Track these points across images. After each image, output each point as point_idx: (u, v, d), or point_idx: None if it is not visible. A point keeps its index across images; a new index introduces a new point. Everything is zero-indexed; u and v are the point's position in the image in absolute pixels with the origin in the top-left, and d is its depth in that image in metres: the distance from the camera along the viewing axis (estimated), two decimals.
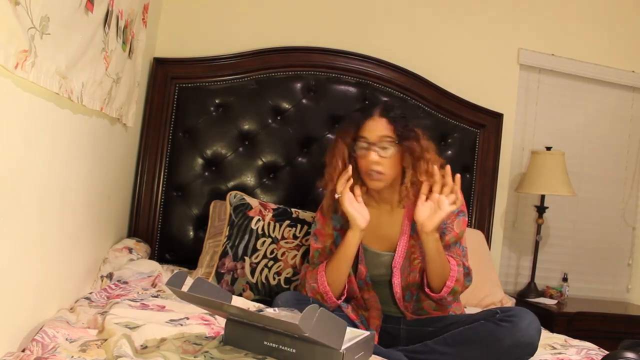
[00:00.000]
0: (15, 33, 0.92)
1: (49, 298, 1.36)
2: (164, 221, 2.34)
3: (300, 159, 2.45)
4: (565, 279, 2.76)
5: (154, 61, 2.35)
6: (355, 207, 1.58)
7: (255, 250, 2.01)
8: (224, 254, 2.01)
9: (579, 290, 2.90)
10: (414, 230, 1.63)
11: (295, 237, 2.06)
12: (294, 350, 1.09)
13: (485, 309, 2.06)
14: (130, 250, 2.01)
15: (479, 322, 1.47)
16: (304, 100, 2.47)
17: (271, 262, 2.00)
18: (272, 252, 2.02)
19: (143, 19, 1.99)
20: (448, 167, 1.53)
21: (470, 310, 1.89)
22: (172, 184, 2.36)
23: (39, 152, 1.17)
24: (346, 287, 1.65)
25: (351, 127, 1.63)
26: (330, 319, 1.05)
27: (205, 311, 1.42)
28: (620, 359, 1.21)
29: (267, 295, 1.97)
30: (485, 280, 2.32)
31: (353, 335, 1.18)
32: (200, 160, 2.38)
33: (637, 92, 3.04)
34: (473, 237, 2.38)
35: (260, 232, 2.04)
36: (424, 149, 1.58)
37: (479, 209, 2.65)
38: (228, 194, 2.16)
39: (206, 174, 2.38)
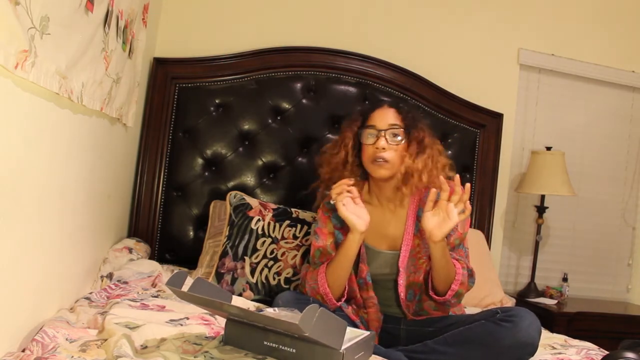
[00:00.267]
0: (15, 33, 0.92)
1: (49, 298, 1.36)
2: (164, 221, 2.34)
3: (300, 159, 2.45)
4: (565, 279, 2.76)
5: (154, 61, 2.35)
6: (353, 211, 1.55)
7: (255, 250, 2.01)
8: (224, 254, 2.01)
9: (579, 290, 2.90)
10: (418, 229, 1.63)
11: (295, 237, 2.05)
12: (294, 350, 1.09)
13: (485, 309, 2.06)
14: (130, 250, 2.01)
15: (480, 322, 1.46)
16: (304, 100, 2.47)
17: (271, 262, 2.00)
18: (272, 252, 2.02)
19: (143, 19, 1.99)
20: (457, 177, 1.50)
21: (470, 310, 1.89)
22: (172, 184, 2.36)
23: (39, 152, 1.17)
24: (346, 288, 1.65)
25: (359, 117, 1.67)
26: (330, 319, 1.05)
27: (205, 311, 1.42)
28: (620, 359, 1.21)
29: (267, 295, 1.97)
30: (485, 280, 2.32)
31: (353, 335, 1.18)
32: (200, 160, 2.38)
33: (637, 92, 3.04)
34: (473, 237, 2.38)
35: (260, 232, 2.04)
36: (431, 140, 1.60)
37: (479, 209, 2.65)
38: (228, 194, 2.16)
39: (206, 174, 2.38)
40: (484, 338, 1.42)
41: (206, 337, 1.25)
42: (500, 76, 2.80)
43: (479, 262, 2.26)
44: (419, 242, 1.64)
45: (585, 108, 2.97)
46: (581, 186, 2.88)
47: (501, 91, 2.80)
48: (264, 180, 2.42)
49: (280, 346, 1.11)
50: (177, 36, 2.45)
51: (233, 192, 2.17)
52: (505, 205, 2.84)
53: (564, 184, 2.63)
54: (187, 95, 2.38)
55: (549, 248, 2.92)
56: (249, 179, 2.41)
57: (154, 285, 1.77)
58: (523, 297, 2.66)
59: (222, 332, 1.22)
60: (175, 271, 1.86)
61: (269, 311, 1.25)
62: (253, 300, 1.89)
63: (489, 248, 2.60)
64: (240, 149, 2.41)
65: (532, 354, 1.41)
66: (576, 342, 1.69)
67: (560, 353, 1.57)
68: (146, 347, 1.16)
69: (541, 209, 2.71)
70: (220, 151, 2.39)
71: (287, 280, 2.00)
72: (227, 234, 2.05)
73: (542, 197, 2.71)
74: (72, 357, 1.06)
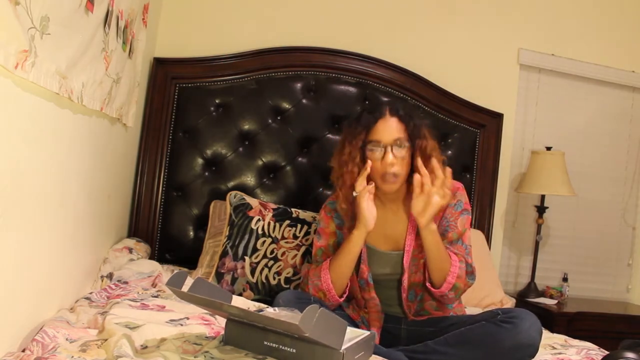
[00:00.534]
0: (15, 33, 0.92)
1: (49, 298, 1.36)
2: (164, 221, 2.34)
3: (300, 159, 2.45)
4: (565, 279, 2.76)
5: (154, 61, 2.35)
6: (369, 207, 1.57)
7: (255, 250, 2.01)
8: (224, 254, 2.01)
9: (579, 290, 2.90)
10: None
11: (295, 237, 2.05)
12: (294, 350, 1.09)
13: (485, 309, 2.06)
14: (130, 250, 2.01)
15: (480, 323, 1.46)
16: (304, 100, 2.47)
17: (271, 262, 2.00)
18: (272, 252, 2.02)
19: (143, 19, 1.99)
20: (434, 160, 1.53)
21: (470, 310, 1.89)
22: (172, 184, 2.36)
23: (39, 152, 1.17)
24: (348, 285, 1.65)
25: (361, 131, 1.59)
26: (331, 319, 1.05)
27: (206, 311, 1.42)
28: (620, 359, 1.21)
29: (267, 295, 1.97)
30: (485, 280, 2.32)
31: (353, 335, 1.18)
32: (200, 160, 2.38)
33: (637, 92, 3.04)
34: (473, 237, 2.37)
35: (260, 232, 2.04)
36: (432, 147, 1.59)
37: (479, 209, 2.65)
38: (228, 194, 2.16)
39: (206, 174, 2.38)
40: (484, 339, 1.42)
41: (206, 337, 1.25)
42: (500, 76, 2.80)
43: (479, 262, 2.25)
44: (421, 242, 1.64)
45: (585, 108, 2.97)
46: (581, 186, 2.88)
47: (501, 91, 2.80)
48: (264, 180, 2.42)
49: (281, 346, 1.11)
50: (177, 36, 2.45)
51: (233, 192, 2.17)
52: (505, 205, 2.84)
53: (564, 184, 2.63)
54: (187, 95, 2.38)
55: (549, 248, 2.92)
56: (249, 179, 2.41)
57: (154, 285, 1.76)
58: (523, 297, 2.66)
59: (222, 332, 1.22)
60: (175, 271, 1.86)
61: (269, 311, 1.25)
62: (253, 300, 1.89)
63: (489, 248, 2.60)
64: (240, 149, 2.41)
65: (533, 356, 1.41)
66: (576, 342, 1.69)
67: (560, 353, 1.57)
68: (146, 347, 1.16)
69: (541, 209, 2.71)
70: (220, 151, 2.39)
71: (287, 280, 2.00)
72: (227, 233, 2.05)
73: (542, 197, 2.71)
74: (72, 357, 1.06)
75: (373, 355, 1.23)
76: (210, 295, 1.18)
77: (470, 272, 1.59)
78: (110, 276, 1.78)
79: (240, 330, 1.17)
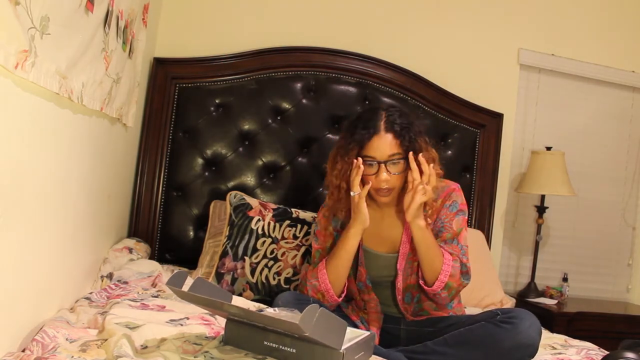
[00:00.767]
0: (15, 33, 0.92)
1: (49, 298, 1.36)
2: (164, 221, 2.34)
3: (300, 159, 2.45)
4: (565, 279, 2.76)
5: (154, 61, 2.35)
6: (365, 206, 1.58)
7: (255, 250, 2.01)
8: (224, 254, 2.01)
9: (579, 290, 2.90)
10: None
11: (295, 237, 2.05)
12: (294, 350, 1.09)
13: (485, 309, 2.06)
14: (130, 250, 2.01)
15: (480, 323, 1.46)
16: (304, 100, 2.47)
17: (271, 262, 2.00)
18: (272, 252, 2.02)
19: (143, 19, 1.99)
20: (421, 156, 1.53)
21: (470, 310, 1.89)
22: (172, 184, 2.36)
23: (39, 152, 1.17)
24: (346, 284, 1.65)
25: (354, 147, 1.56)
26: (331, 319, 1.05)
27: (206, 311, 1.42)
28: (620, 359, 1.21)
29: (267, 295, 1.97)
30: (485, 280, 2.32)
31: (353, 335, 1.18)
32: (200, 160, 2.38)
33: (637, 92, 3.04)
34: (473, 237, 2.38)
35: (260, 232, 2.04)
36: (428, 154, 1.57)
37: (479, 209, 2.65)
38: (228, 194, 2.16)
39: (206, 174, 2.38)
40: (484, 340, 1.42)
41: (206, 337, 1.25)
42: (500, 76, 2.80)
43: (479, 262, 2.26)
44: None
45: (585, 108, 2.97)
46: (581, 186, 2.88)
47: (501, 91, 2.80)
48: (264, 180, 2.42)
49: (281, 346, 1.11)
50: (177, 36, 2.45)
51: (233, 192, 2.17)
52: (505, 205, 2.84)
53: (564, 184, 2.63)
54: (187, 95, 2.38)
55: (549, 248, 2.91)
56: (249, 179, 2.41)
57: (154, 285, 1.76)
58: (523, 297, 2.66)
59: (222, 332, 1.22)
60: (175, 271, 1.86)
61: (269, 311, 1.25)
62: (253, 300, 1.89)
63: (489, 248, 2.60)
64: (240, 149, 2.41)
65: (533, 356, 1.41)
66: (576, 342, 1.69)
67: (560, 353, 1.57)
68: (146, 347, 1.16)
69: (541, 209, 2.71)
70: (220, 151, 2.39)
71: (287, 280, 2.00)
72: (227, 234, 2.05)
73: (542, 197, 2.71)
74: (72, 357, 1.06)
75: (373, 356, 1.23)
76: (210, 295, 1.18)
77: (464, 272, 1.59)
78: (110, 276, 1.78)
79: (240, 330, 1.17)
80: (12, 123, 1.02)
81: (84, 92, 1.36)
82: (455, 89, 2.63)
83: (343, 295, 1.64)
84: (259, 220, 2.06)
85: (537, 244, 2.73)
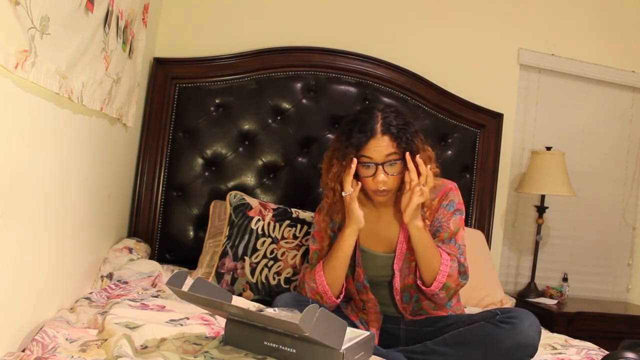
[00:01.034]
0: (15, 33, 0.92)
1: (49, 298, 1.36)
2: (164, 221, 2.34)
3: (300, 159, 2.45)
4: (565, 279, 2.76)
5: (154, 61, 2.35)
6: (358, 206, 1.58)
7: (255, 250, 2.01)
8: (224, 254, 2.01)
9: (579, 290, 2.90)
10: None
11: (295, 237, 2.05)
12: (294, 350, 1.09)
13: (485, 309, 2.06)
14: (130, 250, 2.01)
15: (479, 323, 1.46)
16: (304, 100, 2.47)
17: (271, 262, 2.00)
18: (272, 252, 2.02)
19: (143, 19, 1.99)
20: (418, 157, 1.54)
21: (470, 310, 1.89)
22: (172, 184, 2.36)
23: (39, 152, 1.17)
24: (344, 286, 1.65)
25: (351, 151, 1.54)
26: (331, 319, 1.05)
27: (206, 311, 1.42)
28: (620, 359, 1.21)
29: (267, 295, 1.97)
30: (485, 280, 2.32)
31: (353, 335, 1.18)
32: (200, 160, 2.38)
33: (637, 92, 3.04)
34: (473, 237, 2.38)
35: (260, 232, 2.04)
36: (425, 155, 1.57)
37: (479, 209, 2.65)
38: (228, 194, 2.16)
39: (206, 174, 2.38)
40: (483, 340, 1.42)
41: (206, 337, 1.25)
42: (500, 76, 2.80)
43: (479, 262, 2.26)
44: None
45: (585, 108, 2.97)
46: (581, 186, 2.88)
47: (501, 91, 2.80)
48: (264, 180, 2.42)
49: (280, 346, 1.11)
50: (177, 36, 2.45)
51: (233, 192, 2.17)
52: (505, 205, 2.84)
53: (564, 184, 2.63)
54: (187, 95, 2.38)
55: (549, 248, 2.91)
56: (249, 179, 2.41)
57: (154, 285, 1.76)
58: (523, 297, 2.66)
59: (222, 332, 1.22)
60: (175, 271, 1.86)
61: (269, 311, 1.25)
62: (253, 300, 1.89)
63: (489, 248, 2.60)
64: (240, 149, 2.41)
65: (532, 355, 1.41)
66: (576, 342, 1.69)
67: (560, 353, 1.57)
68: (146, 347, 1.16)
69: (541, 209, 2.71)
70: (220, 151, 2.39)
71: (287, 280, 2.00)
72: (227, 234, 2.05)
73: (542, 197, 2.71)
74: (72, 357, 1.06)
75: (372, 356, 1.23)
76: (210, 295, 1.18)
77: (462, 272, 1.59)
78: (110, 276, 1.78)
79: (240, 330, 1.17)
80: (12, 123, 1.02)
81: (84, 92, 1.36)
82: (455, 89, 2.63)
83: (342, 296, 1.64)
84: (259, 220, 2.06)
85: (537, 244, 2.73)
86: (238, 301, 1.67)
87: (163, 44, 2.43)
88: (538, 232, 2.73)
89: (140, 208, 2.32)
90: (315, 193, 2.44)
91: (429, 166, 1.54)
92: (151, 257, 2.21)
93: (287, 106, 2.45)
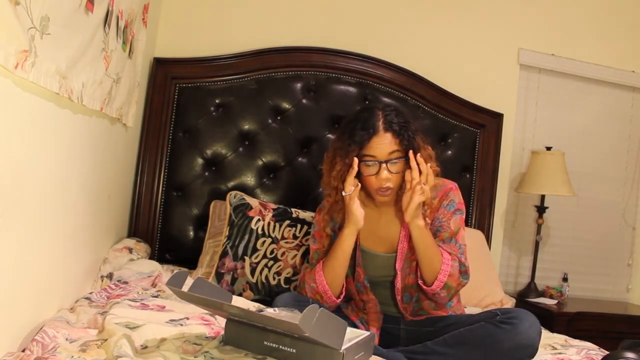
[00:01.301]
0: (15, 33, 0.92)
1: (49, 298, 1.36)
2: (164, 221, 2.34)
3: (300, 159, 2.45)
4: (565, 279, 2.76)
5: (154, 61, 2.35)
6: (358, 206, 1.58)
7: (255, 250, 2.01)
8: (224, 254, 2.01)
9: (579, 290, 2.90)
10: None
11: (295, 237, 2.05)
12: (294, 350, 1.09)
13: (485, 309, 2.06)
14: (130, 250, 2.01)
15: (479, 323, 1.46)
16: (304, 100, 2.47)
17: (271, 262, 2.00)
18: (272, 252, 2.02)
19: (143, 19, 1.99)
20: (419, 156, 1.54)
21: (470, 310, 1.89)
22: (172, 184, 2.36)
23: (39, 152, 1.17)
24: (344, 286, 1.65)
25: (354, 149, 1.55)
26: (331, 319, 1.05)
27: (206, 311, 1.42)
28: (620, 359, 1.21)
29: (267, 295, 1.97)
30: (485, 280, 2.32)
31: (353, 335, 1.18)
32: (200, 160, 2.38)
33: (637, 92, 3.04)
34: (473, 237, 2.38)
35: (260, 232, 2.04)
36: (426, 153, 1.58)
37: (479, 209, 2.65)
38: (228, 194, 2.16)
39: (206, 174, 2.38)
40: (483, 340, 1.42)
41: (206, 337, 1.25)
42: (500, 76, 2.80)
43: (479, 262, 2.26)
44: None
45: (585, 108, 2.97)
46: (581, 186, 2.88)
47: (501, 91, 2.80)
48: (264, 180, 2.42)
49: (280, 346, 1.11)
50: (177, 36, 2.45)
51: (233, 192, 2.17)
52: (505, 205, 2.84)
53: (564, 184, 2.63)
54: (187, 95, 2.38)
55: (549, 248, 2.91)
56: (249, 179, 2.41)
57: (154, 285, 1.76)
58: (523, 297, 2.66)
59: (222, 332, 1.22)
60: (175, 271, 1.86)
61: (269, 311, 1.25)
62: (253, 300, 1.89)
63: (489, 248, 2.60)
64: (240, 149, 2.41)
65: (532, 356, 1.41)
66: (576, 342, 1.69)
67: (560, 353, 1.57)
68: (146, 347, 1.16)
69: (541, 209, 2.71)
70: (220, 151, 2.39)
71: (287, 280, 2.00)
72: (227, 234, 2.05)
73: (542, 197, 2.71)
74: (72, 357, 1.06)
75: (372, 356, 1.23)
76: (210, 295, 1.18)
77: (463, 272, 1.59)
78: (110, 276, 1.78)
79: (240, 330, 1.17)
80: (12, 123, 1.02)
81: (84, 92, 1.36)
82: (455, 89, 2.63)
83: (342, 296, 1.64)
84: (259, 220, 2.06)
85: (537, 244, 2.73)
86: (238, 301, 1.67)
87: (163, 44, 2.43)
88: (538, 232, 2.73)
89: (140, 208, 2.32)
90: (315, 193, 2.44)
91: (429, 164, 1.54)
92: (151, 257, 2.21)
93: (287, 106, 2.45)
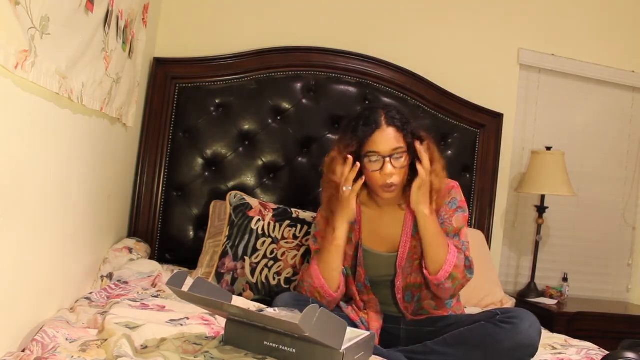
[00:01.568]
0: (15, 33, 0.92)
1: (49, 298, 1.36)
2: (164, 221, 2.34)
3: (300, 159, 2.45)
4: (565, 279, 2.76)
5: (154, 61, 2.35)
6: (354, 202, 1.60)
7: (255, 250, 2.01)
8: (224, 254, 2.01)
9: (579, 290, 2.90)
10: (416, 230, 1.63)
11: (295, 237, 2.05)
12: (294, 350, 1.09)
13: (485, 309, 2.06)
14: (130, 250, 2.01)
15: (479, 323, 1.46)
16: (304, 100, 2.47)
17: (271, 262, 2.00)
18: (272, 252, 2.02)
19: (143, 19, 1.99)
20: (417, 143, 1.58)
21: (470, 310, 1.89)
22: (172, 184, 2.36)
23: (39, 153, 1.17)
24: (342, 281, 1.64)
25: (355, 143, 1.57)
26: (331, 319, 1.05)
27: (206, 311, 1.42)
28: (620, 359, 1.21)
29: (267, 295, 1.97)
30: (485, 280, 2.32)
31: (353, 335, 1.18)
32: (200, 160, 2.38)
33: (637, 92, 3.04)
34: (473, 237, 2.37)
35: (260, 232, 2.04)
36: (432, 148, 1.59)
37: (479, 209, 2.65)
38: (228, 194, 2.16)
39: (206, 174, 2.38)
40: (484, 340, 1.42)
41: (206, 337, 1.25)
42: (500, 76, 2.80)
43: (479, 262, 2.24)
44: (416, 243, 1.64)
45: (585, 108, 2.97)
46: (581, 186, 2.88)
47: (501, 91, 2.80)
48: (264, 180, 2.42)
49: (281, 346, 1.11)
50: (177, 36, 2.45)
51: (233, 192, 2.17)
52: (505, 205, 2.84)
53: (564, 184, 2.63)
54: (187, 95, 2.38)
55: (549, 248, 2.91)
56: (249, 179, 2.41)
57: (154, 285, 1.76)
58: (523, 297, 2.66)
59: (222, 332, 1.22)
60: (175, 271, 1.86)
61: (269, 311, 1.25)
62: (253, 300, 1.89)
63: (489, 248, 2.60)
64: (240, 149, 2.41)
65: (533, 355, 1.41)
66: (576, 342, 1.69)
67: (560, 353, 1.57)
68: (146, 347, 1.16)
69: (541, 209, 2.71)
70: (220, 151, 2.39)
71: (287, 280, 2.00)
72: (227, 234, 2.05)
73: (542, 197, 2.71)
74: (72, 357, 1.06)
75: (373, 356, 1.23)
76: (210, 295, 1.18)
77: (468, 266, 1.59)
78: (110, 276, 1.78)
79: (240, 330, 1.17)
80: (12, 123, 1.02)
81: (84, 92, 1.36)
82: (455, 89, 2.63)
83: (340, 290, 1.63)
84: (259, 220, 2.06)
85: (537, 244, 2.73)
86: (238, 301, 1.67)
87: (163, 44, 2.43)
88: (538, 232, 2.73)
89: (140, 208, 2.32)
90: (315, 193, 2.43)
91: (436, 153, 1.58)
92: (151, 257, 2.21)
93: (287, 106, 2.45)
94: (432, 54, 2.70)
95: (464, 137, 2.63)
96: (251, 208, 2.09)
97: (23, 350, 1.09)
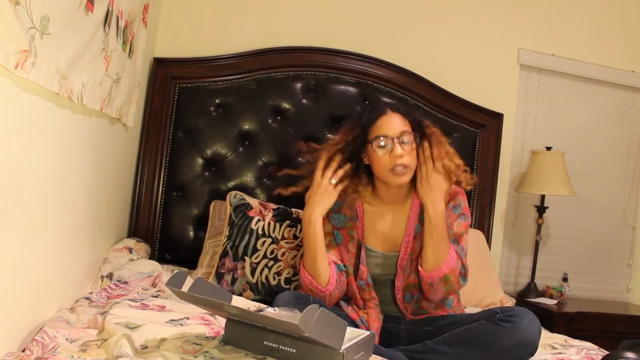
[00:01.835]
0: (15, 33, 0.92)
1: (49, 298, 1.36)
2: (164, 221, 2.34)
3: (300, 159, 2.45)
4: (565, 279, 2.76)
5: (154, 61, 2.35)
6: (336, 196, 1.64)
7: (255, 250, 2.01)
8: (224, 254, 2.01)
9: (579, 290, 2.90)
10: (418, 230, 1.63)
11: (295, 237, 2.05)
12: (294, 350, 1.09)
13: (485, 308, 2.06)
14: (130, 250, 2.01)
15: (479, 322, 1.46)
16: (304, 100, 2.47)
17: (271, 262, 2.00)
18: (272, 252, 2.02)
19: (143, 19, 1.99)
20: (425, 144, 1.61)
21: (470, 310, 1.89)
22: (172, 184, 2.36)
23: (39, 153, 1.17)
24: (334, 275, 1.63)
25: (360, 129, 1.62)
26: (331, 319, 1.05)
27: (206, 311, 1.42)
28: (620, 359, 1.21)
29: (267, 295, 1.97)
30: (485, 280, 2.32)
31: (353, 335, 1.18)
32: (200, 160, 2.38)
33: (637, 92, 3.04)
34: (473, 237, 2.38)
35: (260, 232, 2.04)
36: (438, 134, 1.61)
37: (479, 209, 2.65)
38: (228, 194, 2.16)
39: (206, 174, 2.38)
40: (484, 338, 1.42)
41: (206, 337, 1.25)
42: (500, 76, 2.80)
43: (479, 262, 2.26)
44: (418, 244, 1.64)
45: (585, 108, 2.97)
46: (581, 186, 2.88)
47: (501, 91, 2.80)
48: (264, 180, 2.42)
49: (280, 346, 1.11)
50: (177, 36, 2.45)
51: (233, 192, 2.17)
52: (505, 205, 2.84)
53: (564, 184, 2.63)
54: (187, 95, 2.38)
55: (549, 248, 2.91)
56: (249, 179, 2.41)
57: (154, 285, 1.76)
58: (523, 297, 2.66)
59: (222, 332, 1.22)
60: (175, 271, 1.86)
61: (269, 311, 1.25)
62: (253, 300, 1.89)
63: (489, 248, 2.60)
64: (240, 149, 2.41)
65: (533, 354, 1.41)
66: (576, 342, 1.69)
67: (560, 353, 1.57)
68: (146, 347, 1.16)
69: (541, 209, 2.71)
70: (220, 151, 2.39)
71: (287, 280, 2.00)
72: (227, 234, 2.04)
73: (542, 197, 2.71)
74: (72, 357, 1.06)
75: (373, 355, 1.23)
76: (210, 295, 1.18)
77: (463, 274, 1.60)
78: (110, 276, 1.78)
79: (240, 330, 1.17)
80: (12, 123, 1.02)
81: (84, 92, 1.36)
82: (455, 89, 2.63)
83: (330, 284, 1.62)
84: (259, 220, 2.06)
85: (537, 244, 2.73)
86: (238, 301, 1.67)
87: (163, 44, 2.43)
88: (538, 232, 2.73)
89: (140, 208, 2.32)
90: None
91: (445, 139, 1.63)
92: (151, 257, 2.21)
93: (287, 106, 2.45)
94: (432, 54, 2.70)
95: (464, 137, 2.63)
96: (251, 208, 2.09)
97: (23, 350, 1.09)
